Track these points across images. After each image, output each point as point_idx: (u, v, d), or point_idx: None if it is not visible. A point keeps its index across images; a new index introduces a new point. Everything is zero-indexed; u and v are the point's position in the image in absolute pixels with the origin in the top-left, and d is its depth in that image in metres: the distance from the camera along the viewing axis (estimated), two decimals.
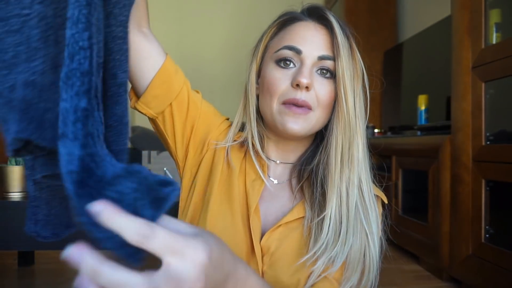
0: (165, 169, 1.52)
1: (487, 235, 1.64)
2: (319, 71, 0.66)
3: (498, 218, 1.61)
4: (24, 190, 1.52)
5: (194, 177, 0.73)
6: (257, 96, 0.71)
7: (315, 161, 0.69)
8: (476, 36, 1.70)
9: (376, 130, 3.00)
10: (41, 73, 0.42)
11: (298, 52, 0.65)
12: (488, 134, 1.64)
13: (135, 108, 0.68)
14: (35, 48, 0.42)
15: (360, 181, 0.66)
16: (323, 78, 0.66)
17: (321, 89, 0.65)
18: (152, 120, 0.70)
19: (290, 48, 0.66)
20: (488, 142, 1.64)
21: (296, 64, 0.66)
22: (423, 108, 2.44)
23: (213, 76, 3.85)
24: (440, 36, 2.40)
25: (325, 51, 0.66)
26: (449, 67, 1.88)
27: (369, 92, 0.71)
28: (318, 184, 0.67)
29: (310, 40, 0.66)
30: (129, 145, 3.61)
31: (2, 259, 2.23)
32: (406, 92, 2.91)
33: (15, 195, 1.51)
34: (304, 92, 0.63)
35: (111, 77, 0.46)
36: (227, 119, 0.77)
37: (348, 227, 0.63)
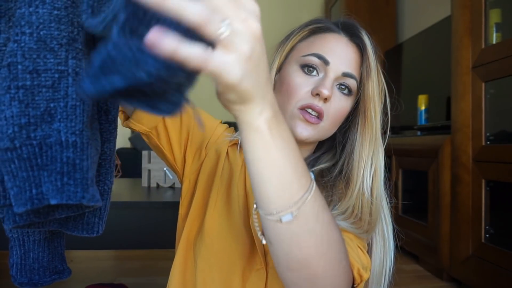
0: (165, 169, 1.52)
1: (487, 235, 1.64)
2: (338, 86, 0.67)
3: (498, 218, 1.61)
4: None
5: (195, 183, 0.73)
6: None
7: (337, 167, 0.69)
8: (476, 36, 1.70)
9: None
10: (80, 133, 0.40)
11: (325, 62, 0.66)
12: (488, 134, 1.64)
13: (128, 126, 0.67)
14: (72, 106, 0.40)
15: (381, 194, 0.66)
16: (341, 94, 0.67)
17: (337, 103, 0.66)
18: (145, 135, 0.70)
19: (319, 56, 0.66)
20: (488, 142, 1.64)
21: (319, 74, 0.66)
22: (423, 108, 2.44)
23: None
24: (440, 36, 2.39)
25: (350, 69, 0.66)
26: (449, 67, 1.88)
27: (390, 114, 0.72)
28: (335, 186, 0.67)
29: (339, 55, 0.66)
30: (129, 145, 3.60)
31: (2, 259, 2.22)
32: (406, 92, 2.91)
33: None
34: (322, 102, 0.64)
35: (103, 113, 0.45)
36: (221, 122, 0.78)
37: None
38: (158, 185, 1.54)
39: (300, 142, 0.69)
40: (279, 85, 0.70)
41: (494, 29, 1.66)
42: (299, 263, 0.44)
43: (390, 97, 0.72)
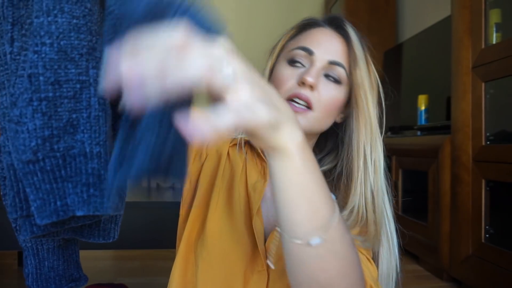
0: None
1: (487, 235, 1.64)
2: (326, 76, 0.67)
3: (498, 218, 1.61)
4: None
5: (196, 184, 0.73)
6: None
7: (338, 165, 0.69)
8: (476, 36, 1.70)
9: None
10: (103, 143, 0.40)
11: (310, 53, 0.66)
12: (488, 134, 1.64)
13: None
14: (96, 117, 0.40)
15: (383, 187, 0.66)
16: (330, 82, 0.66)
17: (326, 91, 0.66)
18: None
19: (303, 48, 0.67)
20: (488, 142, 1.64)
21: (306, 65, 0.67)
22: (423, 108, 2.44)
23: None
24: (440, 36, 2.39)
25: (337, 57, 0.67)
26: (449, 67, 1.88)
27: (384, 104, 0.72)
28: (338, 186, 0.67)
29: (324, 45, 0.67)
30: None
31: (2, 259, 2.22)
32: (406, 92, 2.91)
33: None
34: (308, 91, 0.64)
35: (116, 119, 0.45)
36: None
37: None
38: (158, 185, 1.54)
39: None
40: (271, 83, 0.70)
41: (494, 29, 1.66)
42: (321, 285, 0.43)
43: (385, 88, 0.72)
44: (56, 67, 0.38)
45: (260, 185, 0.69)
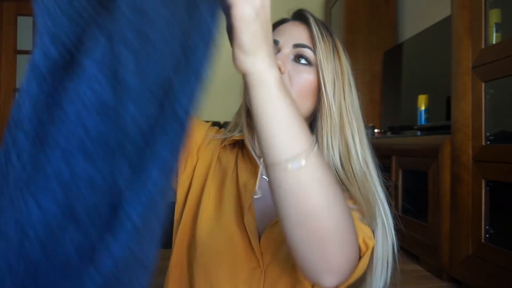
0: None
1: (487, 235, 1.64)
2: (296, 59, 0.68)
3: (498, 218, 1.61)
4: None
5: (188, 188, 0.73)
6: None
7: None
8: (476, 36, 1.70)
9: (376, 130, 3.00)
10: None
11: (275, 43, 0.68)
12: (488, 134, 1.64)
13: None
14: None
15: (366, 172, 0.66)
16: (299, 65, 0.67)
17: (298, 75, 0.67)
18: None
19: None
20: (488, 142, 1.64)
21: None
22: (423, 108, 2.44)
23: (214, 76, 3.84)
24: (440, 36, 2.39)
25: (302, 41, 0.68)
26: (449, 67, 1.88)
27: (361, 90, 0.72)
28: None
29: (288, 33, 0.69)
30: None
31: None
32: (406, 92, 2.91)
33: None
34: None
35: None
36: (211, 124, 0.78)
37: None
38: None
39: None
40: None
41: (494, 29, 1.66)
42: (308, 215, 0.45)
43: (357, 69, 0.74)
44: None
45: (251, 183, 0.69)
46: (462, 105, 1.76)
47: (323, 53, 0.67)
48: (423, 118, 2.44)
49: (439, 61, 2.36)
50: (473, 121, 1.71)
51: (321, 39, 0.68)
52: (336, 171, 0.65)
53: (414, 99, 2.55)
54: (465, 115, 1.75)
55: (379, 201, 0.65)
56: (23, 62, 3.79)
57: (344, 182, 0.65)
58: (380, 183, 0.67)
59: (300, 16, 0.73)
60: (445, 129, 1.98)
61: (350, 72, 0.70)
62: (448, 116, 2.02)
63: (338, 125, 0.67)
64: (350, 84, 0.69)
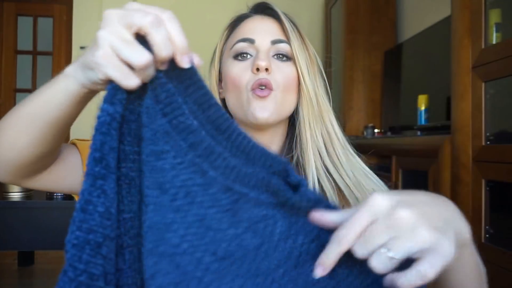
0: None
1: (487, 235, 1.64)
2: (275, 56, 0.69)
3: (498, 218, 1.61)
4: (24, 190, 1.52)
5: None
6: (223, 100, 0.74)
7: (297, 149, 0.71)
8: (476, 36, 1.70)
9: (376, 130, 3.00)
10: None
11: (251, 42, 0.69)
12: (488, 134, 1.64)
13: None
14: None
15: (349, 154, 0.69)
16: (280, 62, 0.69)
17: (279, 71, 0.68)
18: None
19: (244, 40, 0.69)
20: (488, 142, 1.64)
21: (252, 54, 0.69)
22: (423, 108, 2.44)
23: None
24: (440, 36, 2.39)
25: (277, 36, 0.69)
26: (449, 67, 1.88)
27: (325, 73, 0.75)
28: (301, 170, 0.69)
29: (260, 30, 0.70)
30: None
31: (2, 259, 2.23)
32: (406, 92, 2.91)
33: (15, 195, 1.51)
34: (265, 74, 0.66)
35: None
36: None
37: None
38: None
39: (268, 126, 0.70)
40: (226, 87, 0.71)
41: (494, 29, 1.66)
42: None
43: (326, 57, 0.76)
44: None
45: None
46: (462, 105, 1.76)
47: (297, 45, 0.69)
48: (423, 118, 2.44)
49: (439, 61, 2.36)
50: (473, 121, 1.71)
51: (292, 31, 0.69)
52: (322, 156, 0.67)
53: (414, 99, 2.55)
54: (465, 115, 1.75)
55: (369, 175, 0.68)
56: (23, 62, 3.79)
57: (329, 169, 0.67)
58: (362, 160, 0.70)
59: (264, 9, 0.73)
60: (445, 129, 1.98)
61: (318, 58, 0.72)
62: (448, 116, 2.02)
63: (317, 112, 0.69)
64: (320, 70, 0.72)
